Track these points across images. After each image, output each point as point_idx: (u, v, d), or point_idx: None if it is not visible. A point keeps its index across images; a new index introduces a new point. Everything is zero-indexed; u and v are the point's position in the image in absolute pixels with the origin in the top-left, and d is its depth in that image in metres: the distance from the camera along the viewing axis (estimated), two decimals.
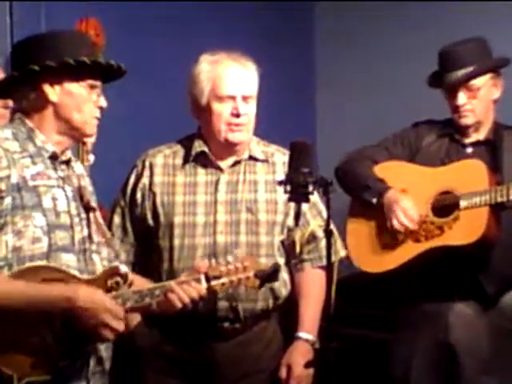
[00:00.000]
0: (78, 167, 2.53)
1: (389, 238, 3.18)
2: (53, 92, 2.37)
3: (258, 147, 2.93)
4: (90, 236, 2.44)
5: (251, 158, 2.90)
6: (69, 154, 2.47)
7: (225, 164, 2.88)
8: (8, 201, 2.28)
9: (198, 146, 2.88)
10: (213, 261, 2.75)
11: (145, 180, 2.89)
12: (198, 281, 2.49)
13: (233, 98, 2.79)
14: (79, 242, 2.40)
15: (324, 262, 2.72)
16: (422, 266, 3.11)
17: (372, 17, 4.75)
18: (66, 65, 2.33)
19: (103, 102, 2.43)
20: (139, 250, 2.92)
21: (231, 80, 2.80)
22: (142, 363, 2.90)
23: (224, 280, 2.51)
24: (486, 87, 3.14)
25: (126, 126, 3.80)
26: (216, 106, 2.80)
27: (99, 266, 2.43)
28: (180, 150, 2.91)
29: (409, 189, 3.17)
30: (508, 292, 3.13)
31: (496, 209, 3.01)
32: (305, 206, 2.78)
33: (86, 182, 2.53)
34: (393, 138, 3.30)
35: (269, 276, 2.57)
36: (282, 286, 2.89)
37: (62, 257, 2.34)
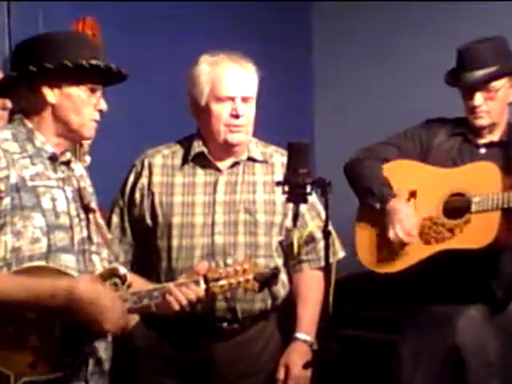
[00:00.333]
0: (79, 168, 2.53)
1: None
2: (51, 94, 2.36)
3: (257, 148, 2.93)
4: (89, 237, 2.43)
5: (250, 158, 2.90)
6: (69, 155, 2.46)
7: (223, 165, 2.88)
8: (7, 201, 2.28)
9: (197, 147, 2.88)
10: (212, 263, 2.74)
11: (143, 180, 2.89)
12: (197, 283, 2.49)
13: (232, 99, 2.80)
14: (79, 243, 2.40)
15: (322, 263, 2.72)
16: (431, 267, 3.07)
17: (370, 17, 4.75)
18: (65, 67, 2.32)
19: (103, 105, 2.42)
20: (137, 250, 2.93)
21: (231, 81, 2.80)
22: (140, 363, 2.91)
23: (223, 282, 2.51)
24: (504, 89, 3.08)
25: (126, 126, 3.79)
26: (215, 107, 2.80)
27: (99, 267, 2.42)
28: (179, 151, 2.91)
29: (420, 189, 3.13)
30: None
31: (508, 213, 2.96)
32: (303, 207, 2.78)
33: (87, 183, 2.53)
34: (403, 134, 3.24)
35: (268, 279, 2.56)
36: (281, 286, 2.88)
37: (61, 257, 2.33)
